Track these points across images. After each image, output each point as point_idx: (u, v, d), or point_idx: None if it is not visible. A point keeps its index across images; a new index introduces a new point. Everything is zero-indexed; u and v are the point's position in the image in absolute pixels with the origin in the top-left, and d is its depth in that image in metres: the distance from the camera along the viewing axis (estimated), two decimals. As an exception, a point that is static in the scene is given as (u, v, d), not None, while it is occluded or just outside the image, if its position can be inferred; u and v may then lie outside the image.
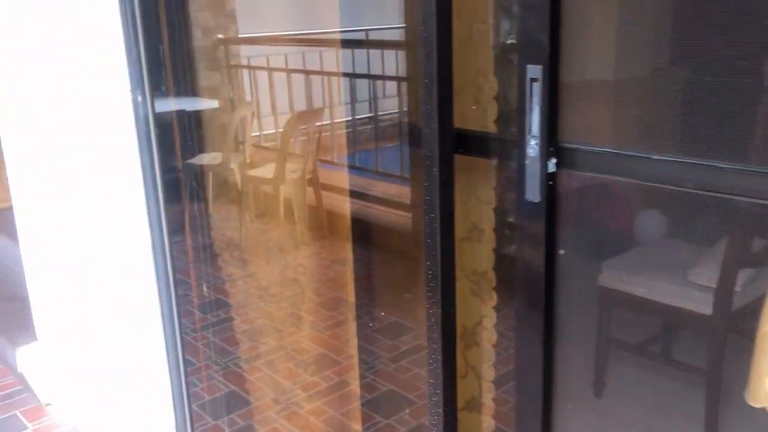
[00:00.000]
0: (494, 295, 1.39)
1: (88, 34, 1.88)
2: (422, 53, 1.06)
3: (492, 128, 1.25)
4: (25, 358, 2.60)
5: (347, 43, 3.99)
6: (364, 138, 4.73)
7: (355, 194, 3.97)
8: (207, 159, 3.94)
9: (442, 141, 1.07)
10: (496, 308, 1.40)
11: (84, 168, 2.07)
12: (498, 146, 1.18)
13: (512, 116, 1.32)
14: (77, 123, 2.04)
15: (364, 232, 3.34)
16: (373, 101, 4.59)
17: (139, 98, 1.80)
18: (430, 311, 1.15)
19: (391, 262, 3.22)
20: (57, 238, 2.36)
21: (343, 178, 4.42)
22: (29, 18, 2.12)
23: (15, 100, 2.38)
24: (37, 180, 2.40)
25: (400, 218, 3.59)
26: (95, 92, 1.93)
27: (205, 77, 4.51)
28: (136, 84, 1.80)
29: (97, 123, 1.95)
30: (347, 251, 3.13)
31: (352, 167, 4.35)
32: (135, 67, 1.78)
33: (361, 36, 5.22)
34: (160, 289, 1.96)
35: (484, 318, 1.40)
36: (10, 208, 3.69)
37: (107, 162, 1.97)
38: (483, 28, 1.22)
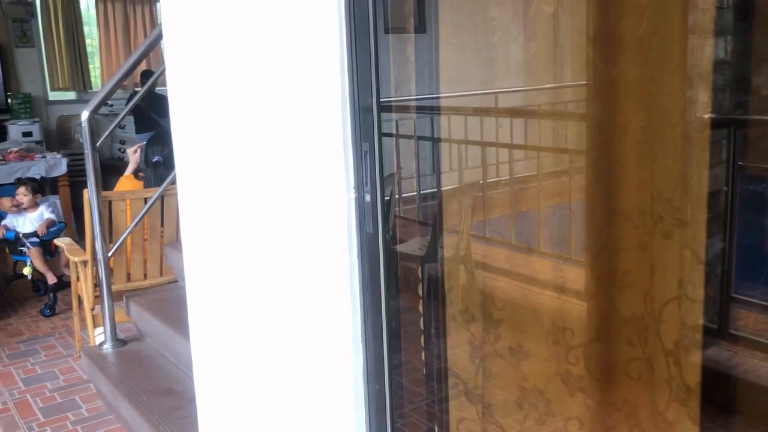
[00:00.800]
0: None
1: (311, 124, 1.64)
2: None
3: None
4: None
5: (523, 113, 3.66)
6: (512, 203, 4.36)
7: (512, 274, 3.59)
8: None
9: None
10: None
11: (287, 262, 1.81)
12: None
13: None
14: (280, 209, 1.79)
15: (528, 320, 2.94)
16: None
17: (367, 197, 1.53)
18: None
19: (568, 358, 2.81)
20: (238, 331, 2.10)
21: (497, 254, 4.07)
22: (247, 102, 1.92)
23: (204, 173, 2.18)
24: (218, 264, 2.17)
25: (574, 306, 3.19)
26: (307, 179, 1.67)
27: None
28: (363, 181, 1.53)
29: (308, 211, 1.69)
30: (515, 342, 2.75)
31: (508, 244, 4.00)
32: (367, 164, 1.51)
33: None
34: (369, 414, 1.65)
35: None
36: (163, 284, 3.55)
37: (313, 260, 1.70)
38: None
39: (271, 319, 1.90)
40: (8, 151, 6.13)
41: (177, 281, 3.47)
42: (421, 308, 1.78)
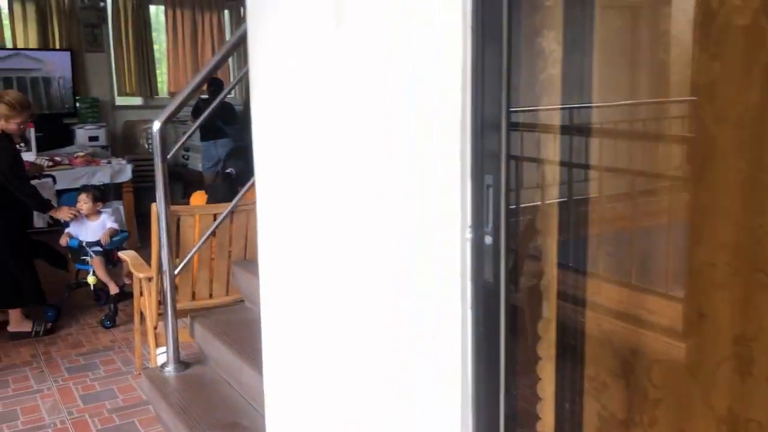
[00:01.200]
0: None
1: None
2: None
3: None
4: None
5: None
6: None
7: (599, 308, 3.29)
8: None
9: None
10: None
11: (385, 301, 1.59)
12: None
13: None
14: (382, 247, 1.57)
15: (614, 359, 2.65)
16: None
17: (488, 240, 1.29)
18: None
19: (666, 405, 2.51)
20: (321, 372, 1.89)
21: (583, 285, 3.78)
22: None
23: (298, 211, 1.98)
24: (300, 294, 1.97)
25: (669, 347, 2.88)
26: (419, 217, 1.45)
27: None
28: (484, 221, 1.29)
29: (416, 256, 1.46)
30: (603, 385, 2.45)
31: (594, 274, 3.70)
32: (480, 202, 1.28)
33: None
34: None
35: None
36: (228, 305, 3.37)
37: (417, 304, 1.47)
38: None
39: (362, 366, 1.68)
40: (75, 155, 6.11)
41: (243, 301, 3.29)
42: (538, 370, 1.52)
